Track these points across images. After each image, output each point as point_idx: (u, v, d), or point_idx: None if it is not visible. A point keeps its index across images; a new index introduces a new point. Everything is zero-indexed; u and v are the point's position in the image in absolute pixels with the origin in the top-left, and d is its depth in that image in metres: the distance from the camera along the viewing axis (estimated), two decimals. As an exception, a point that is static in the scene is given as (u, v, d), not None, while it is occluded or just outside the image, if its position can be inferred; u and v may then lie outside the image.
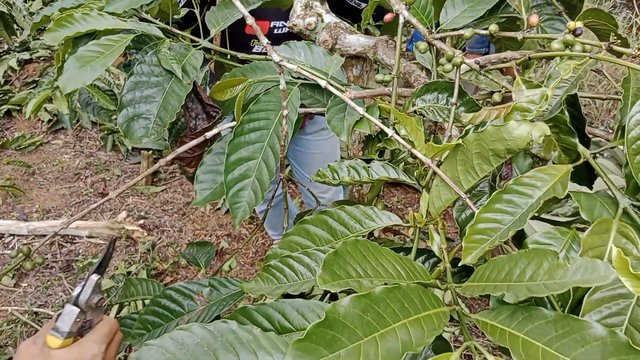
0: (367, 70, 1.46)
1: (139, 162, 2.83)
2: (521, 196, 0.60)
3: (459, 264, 0.59)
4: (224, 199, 2.87)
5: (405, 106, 0.84)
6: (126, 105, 0.92)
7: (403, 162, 0.85)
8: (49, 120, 3.21)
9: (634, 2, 3.73)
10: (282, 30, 1.48)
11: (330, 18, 1.25)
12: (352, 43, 1.23)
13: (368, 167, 0.76)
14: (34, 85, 3.22)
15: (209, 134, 1.04)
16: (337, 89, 1.09)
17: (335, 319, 0.42)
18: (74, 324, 0.62)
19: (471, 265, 0.60)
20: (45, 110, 3.12)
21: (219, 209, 2.64)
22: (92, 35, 0.94)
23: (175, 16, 1.08)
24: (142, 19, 1.09)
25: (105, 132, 3.04)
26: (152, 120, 0.97)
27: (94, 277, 0.63)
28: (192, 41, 1.08)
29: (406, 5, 0.87)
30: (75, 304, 0.62)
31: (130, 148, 3.02)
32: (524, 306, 0.49)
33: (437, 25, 1.01)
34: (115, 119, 3.23)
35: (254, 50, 1.51)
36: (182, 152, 1.13)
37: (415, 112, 0.83)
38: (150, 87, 0.96)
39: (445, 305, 0.52)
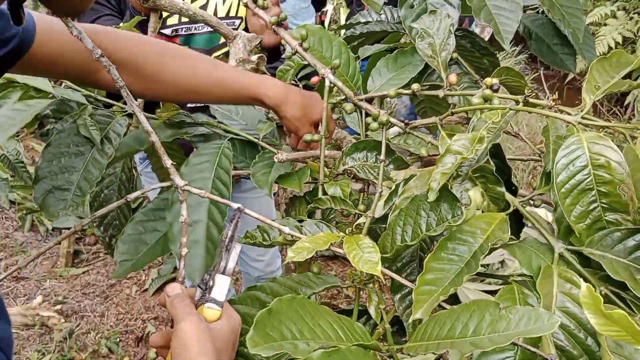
0: (302, 136, 1.47)
1: (59, 243, 2.64)
2: (464, 244, 0.59)
3: (410, 319, 0.56)
4: (152, 279, 2.67)
5: (335, 165, 0.84)
6: (42, 178, 0.87)
7: (335, 222, 0.82)
8: (-42, 202, 2.96)
9: (544, 84, 4.11)
10: None
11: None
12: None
13: (301, 226, 0.73)
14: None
15: (131, 196, 0.96)
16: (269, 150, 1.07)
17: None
18: (228, 294, 0.60)
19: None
20: (-46, 190, 2.89)
21: (146, 289, 2.47)
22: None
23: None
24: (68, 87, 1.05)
25: (24, 212, 2.83)
26: (72, 191, 0.92)
27: (238, 247, 0.62)
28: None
29: (332, 69, 0.89)
30: (224, 273, 0.60)
31: (50, 228, 2.82)
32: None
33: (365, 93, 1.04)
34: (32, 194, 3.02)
35: (187, 105, 1.49)
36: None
37: (345, 171, 0.82)
38: (69, 156, 0.91)
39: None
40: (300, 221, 0.80)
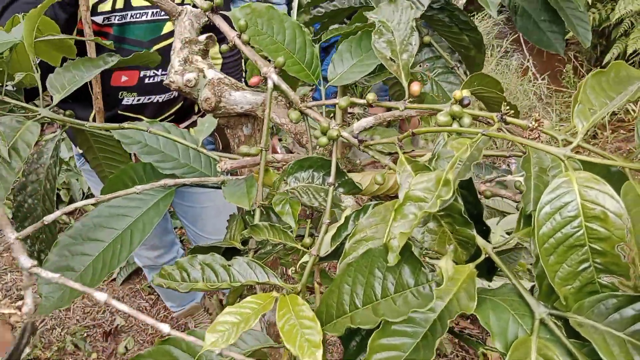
0: (260, 129, 1.33)
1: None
2: (421, 311, 0.47)
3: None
4: (120, 268, 2.57)
5: (275, 185, 0.70)
6: None
7: (276, 258, 0.70)
8: None
9: (524, 46, 3.96)
10: (154, 79, 1.32)
11: (213, 73, 1.11)
12: (239, 100, 1.09)
13: (229, 265, 0.61)
14: None
15: (48, 218, 0.81)
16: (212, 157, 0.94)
17: None
18: None
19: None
20: None
21: (114, 279, 2.35)
22: None
23: (10, 83, 0.89)
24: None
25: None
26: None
27: None
28: (32, 110, 0.88)
29: (275, 68, 0.74)
30: None
31: (10, 216, 2.67)
32: None
33: (326, 80, 0.91)
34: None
35: (123, 102, 1.34)
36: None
37: (287, 192, 0.69)
38: (-35, 173, 0.76)
39: None
40: (232, 253, 0.68)
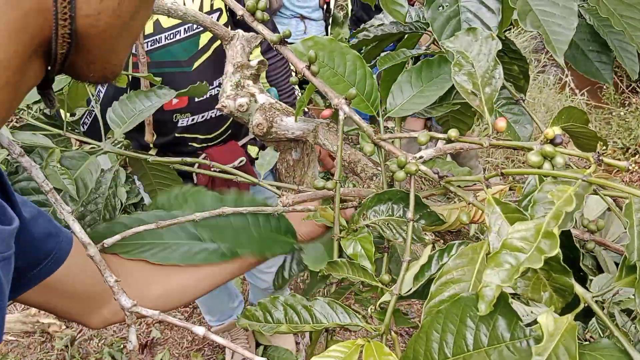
0: (309, 153, 1.33)
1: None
2: None
3: None
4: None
5: (354, 219, 0.69)
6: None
7: (353, 292, 0.69)
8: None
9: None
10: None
11: (264, 98, 1.12)
12: (290, 126, 1.09)
13: (310, 306, 0.60)
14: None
15: (109, 241, 0.80)
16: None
17: None
18: None
19: None
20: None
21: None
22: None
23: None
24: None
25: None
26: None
27: None
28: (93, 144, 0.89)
29: (346, 100, 0.74)
30: None
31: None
32: None
33: (385, 111, 0.90)
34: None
35: (179, 124, 1.35)
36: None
37: (367, 227, 0.68)
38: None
39: None
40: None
